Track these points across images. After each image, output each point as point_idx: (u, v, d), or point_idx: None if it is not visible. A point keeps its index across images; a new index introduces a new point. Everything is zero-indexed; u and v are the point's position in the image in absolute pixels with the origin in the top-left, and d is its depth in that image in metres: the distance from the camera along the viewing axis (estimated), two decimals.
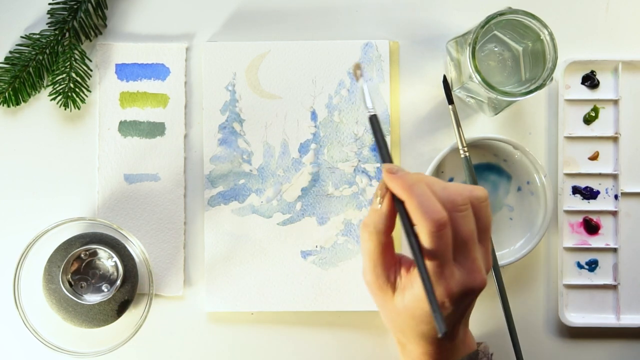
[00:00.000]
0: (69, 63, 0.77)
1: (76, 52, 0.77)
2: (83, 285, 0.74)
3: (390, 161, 0.61)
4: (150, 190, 0.78)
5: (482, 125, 0.78)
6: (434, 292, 0.56)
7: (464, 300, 0.59)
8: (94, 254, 0.74)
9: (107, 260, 0.74)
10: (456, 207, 0.58)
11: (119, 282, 0.73)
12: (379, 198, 0.60)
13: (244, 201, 0.78)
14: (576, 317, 0.77)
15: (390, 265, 0.61)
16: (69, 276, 0.73)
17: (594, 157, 0.78)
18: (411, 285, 0.59)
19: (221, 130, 0.78)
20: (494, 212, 0.77)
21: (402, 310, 0.60)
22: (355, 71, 0.64)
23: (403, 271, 0.61)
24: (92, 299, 0.74)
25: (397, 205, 0.59)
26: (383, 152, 0.61)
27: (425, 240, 0.57)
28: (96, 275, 0.74)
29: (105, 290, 0.74)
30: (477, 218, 0.59)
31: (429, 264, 0.57)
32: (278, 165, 0.78)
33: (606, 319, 0.77)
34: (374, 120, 0.62)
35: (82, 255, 0.74)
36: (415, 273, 0.59)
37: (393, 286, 0.61)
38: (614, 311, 0.77)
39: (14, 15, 0.78)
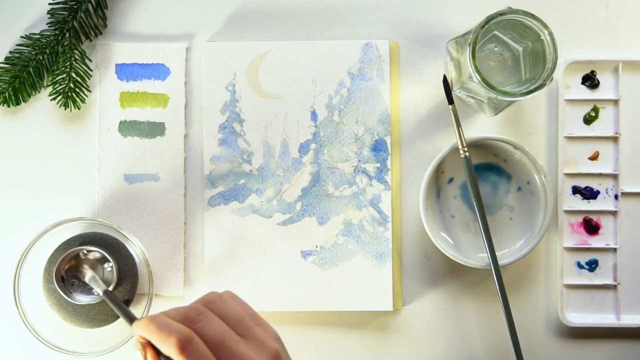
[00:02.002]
0: (69, 63, 0.77)
1: (76, 52, 0.77)
2: (74, 283, 0.74)
3: (134, 318, 0.63)
4: (150, 190, 0.78)
5: (482, 125, 0.78)
6: None
7: None
8: (93, 255, 0.74)
9: (104, 264, 0.74)
10: (192, 319, 0.56)
11: (111, 287, 0.73)
12: (137, 353, 0.57)
13: (244, 201, 0.78)
14: (576, 317, 0.77)
15: None
16: (63, 272, 0.73)
17: (594, 157, 0.78)
18: None
19: (221, 130, 0.78)
20: (494, 212, 0.77)
21: None
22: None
23: None
24: (80, 298, 0.73)
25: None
26: (125, 314, 0.65)
27: None
28: (89, 277, 0.74)
29: (95, 293, 0.74)
30: (223, 316, 0.57)
31: None
32: (278, 165, 0.78)
33: (606, 319, 0.77)
34: (111, 297, 0.65)
35: (81, 255, 0.74)
36: None
37: None
38: (614, 311, 0.77)
39: (14, 15, 0.78)
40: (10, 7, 0.78)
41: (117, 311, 0.67)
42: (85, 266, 0.74)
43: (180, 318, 0.56)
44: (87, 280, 0.73)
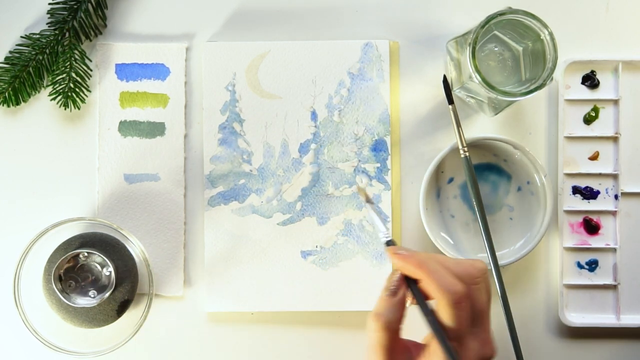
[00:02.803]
0: (69, 63, 0.77)
1: (76, 52, 0.77)
2: (72, 284, 0.74)
3: (394, 243, 0.62)
4: (150, 190, 0.78)
5: (482, 125, 0.78)
6: None
7: None
8: (92, 258, 0.74)
9: (103, 268, 0.74)
10: (473, 279, 0.58)
11: (107, 293, 0.73)
12: (391, 287, 0.59)
13: (244, 201, 0.78)
14: (576, 317, 0.77)
15: (401, 355, 0.59)
16: (62, 271, 0.73)
17: (594, 157, 0.78)
18: None
19: (221, 130, 0.78)
20: (494, 212, 0.77)
21: None
22: (364, 196, 0.68)
23: (416, 357, 0.60)
24: (78, 300, 0.73)
25: (411, 286, 0.59)
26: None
27: (445, 315, 0.57)
28: (87, 279, 0.74)
29: (92, 296, 0.74)
30: (486, 289, 0.60)
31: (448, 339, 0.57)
32: (278, 165, 0.78)
33: (606, 319, 0.77)
34: (390, 244, 0.63)
35: (81, 256, 0.74)
36: (429, 355, 0.58)
37: None
38: (614, 311, 0.77)
39: (14, 15, 0.78)
40: (10, 7, 0.78)
41: (375, 220, 0.64)
42: (90, 267, 0.74)
43: (461, 274, 0.58)
44: (369, 209, 0.68)
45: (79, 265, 0.74)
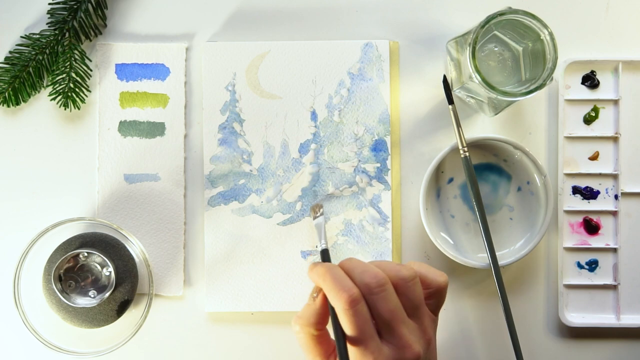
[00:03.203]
0: (69, 63, 0.77)
1: (76, 52, 0.77)
2: (71, 284, 0.74)
3: (327, 253, 0.69)
4: (150, 190, 0.78)
5: (482, 125, 0.78)
6: None
7: None
8: (92, 258, 0.74)
9: (103, 268, 0.74)
10: (370, 290, 0.60)
11: (107, 293, 0.73)
12: (314, 294, 0.63)
13: (244, 201, 0.78)
14: (576, 317, 0.77)
15: (327, 354, 0.63)
16: (62, 271, 0.73)
17: (594, 157, 0.78)
18: None
19: (221, 130, 0.78)
20: (494, 212, 0.77)
21: None
22: (312, 210, 0.74)
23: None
24: (78, 300, 0.73)
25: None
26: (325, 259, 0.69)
27: (342, 319, 0.60)
28: (87, 279, 0.74)
29: (92, 296, 0.74)
30: (405, 296, 0.61)
31: (351, 344, 0.60)
32: (278, 165, 0.78)
33: (606, 319, 0.77)
34: (324, 254, 0.69)
35: (81, 256, 0.74)
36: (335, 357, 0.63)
37: None
38: (614, 311, 0.77)
39: (14, 15, 0.78)
40: (10, 7, 0.78)
41: (318, 234, 0.70)
42: (90, 267, 0.74)
43: (361, 283, 0.60)
44: (315, 224, 0.74)
45: (79, 265, 0.74)
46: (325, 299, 0.62)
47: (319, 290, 0.63)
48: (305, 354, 0.64)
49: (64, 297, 0.72)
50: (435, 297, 0.64)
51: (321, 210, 0.75)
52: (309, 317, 0.62)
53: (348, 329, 0.60)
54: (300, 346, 0.64)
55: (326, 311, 0.63)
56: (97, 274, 0.74)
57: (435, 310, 0.64)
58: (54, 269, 0.72)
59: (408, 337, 0.60)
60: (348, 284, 0.60)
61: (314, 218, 0.74)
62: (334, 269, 0.61)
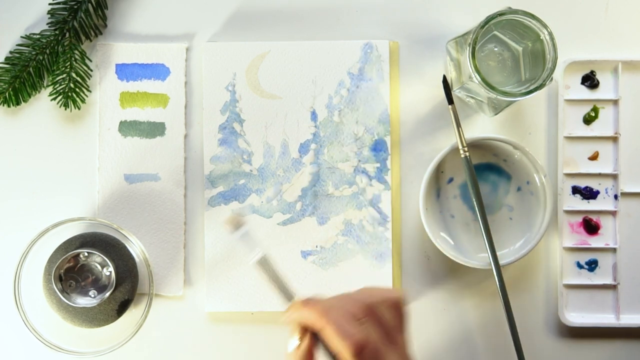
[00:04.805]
0: (69, 63, 0.77)
1: (76, 52, 0.77)
2: (72, 284, 0.74)
3: (292, 296, 0.63)
4: (150, 190, 0.78)
5: (482, 125, 0.78)
6: None
7: None
8: (93, 258, 0.74)
9: (103, 268, 0.74)
10: (358, 320, 0.58)
11: (108, 293, 0.73)
12: (295, 337, 0.60)
13: (244, 201, 0.78)
14: (576, 317, 0.77)
15: None
16: (62, 271, 0.73)
17: (594, 157, 0.78)
18: None
19: (221, 130, 0.78)
20: (494, 212, 0.77)
21: None
22: (231, 223, 0.66)
23: None
24: (78, 300, 0.73)
25: (318, 336, 0.59)
26: (283, 290, 0.63)
27: None
28: (87, 279, 0.74)
29: (92, 296, 0.74)
30: (384, 322, 0.59)
31: None
32: (278, 165, 0.78)
33: (606, 319, 0.77)
34: (264, 263, 0.64)
35: (81, 256, 0.74)
36: None
37: None
38: (613, 311, 0.78)
39: (14, 15, 0.78)
40: (10, 7, 0.78)
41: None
42: (90, 267, 0.74)
43: (349, 317, 0.58)
44: (239, 237, 0.66)
45: (79, 265, 0.74)
46: (310, 340, 0.60)
47: (302, 332, 0.60)
48: None
49: (64, 297, 0.72)
50: (400, 318, 0.62)
51: (240, 221, 0.67)
52: None
53: None
54: None
55: (312, 350, 0.60)
56: (98, 274, 0.74)
57: (404, 332, 0.62)
58: (54, 268, 0.72)
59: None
60: (352, 329, 0.57)
61: (233, 232, 0.66)
62: (332, 311, 0.58)
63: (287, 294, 0.63)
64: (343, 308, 0.59)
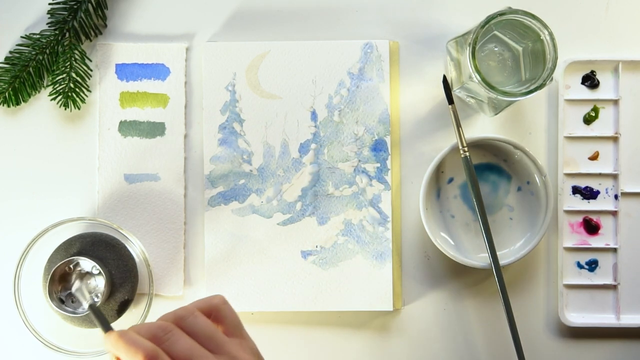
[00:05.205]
0: (69, 63, 0.77)
1: (76, 52, 0.77)
2: (69, 288, 0.73)
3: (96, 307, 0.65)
4: (150, 190, 0.78)
5: (482, 125, 0.78)
6: None
7: None
8: (84, 265, 0.74)
9: (97, 275, 0.74)
10: (159, 338, 0.57)
11: (100, 300, 0.73)
12: None
13: (244, 201, 0.78)
14: (576, 317, 0.77)
15: None
16: (59, 276, 0.73)
17: (594, 157, 0.78)
18: None
19: (221, 130, 0.78)
20: (494, 212, 0.77)
21: None
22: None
23: None
24: (71, 307, 0.73)
25: None
26: (102, 323, 0.63)
27: None
28: (76, 288, 0.74)
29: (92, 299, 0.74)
30: (193, 332, 0.58)
31: None
32: (278, 165, 0.78)
33: (606, 319, 0.77)
34: (95, 311, 0.64)
35: (75, 265, 0.73)
36: None
37: None
38: (614, 311, 0.77)
39: (14, 15, 0.78)
40: (10, 7, 0.78)
41: (99, 325, 0.65)
42: (74, 277, 0.73)
43: (149, 336, 0.57)
44: (73, 291, 0.72)
45: (70, 273, 0.73)
46: None
47: None
48: None
49: (64, 297, 0.72)
50: (223, 319, 0.61)
51: (73, 276, 0.72)
52: None
53: None
54: None
55: None
56: (91, 279, 0.74)
57: (236, 331, 0.61)
58: (54, 269, 0.72)
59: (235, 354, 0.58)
60: (141, 342, 0.56)
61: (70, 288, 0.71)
62: (126, 334, 0.57)
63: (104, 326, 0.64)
64: (143, 328, 0.58)
